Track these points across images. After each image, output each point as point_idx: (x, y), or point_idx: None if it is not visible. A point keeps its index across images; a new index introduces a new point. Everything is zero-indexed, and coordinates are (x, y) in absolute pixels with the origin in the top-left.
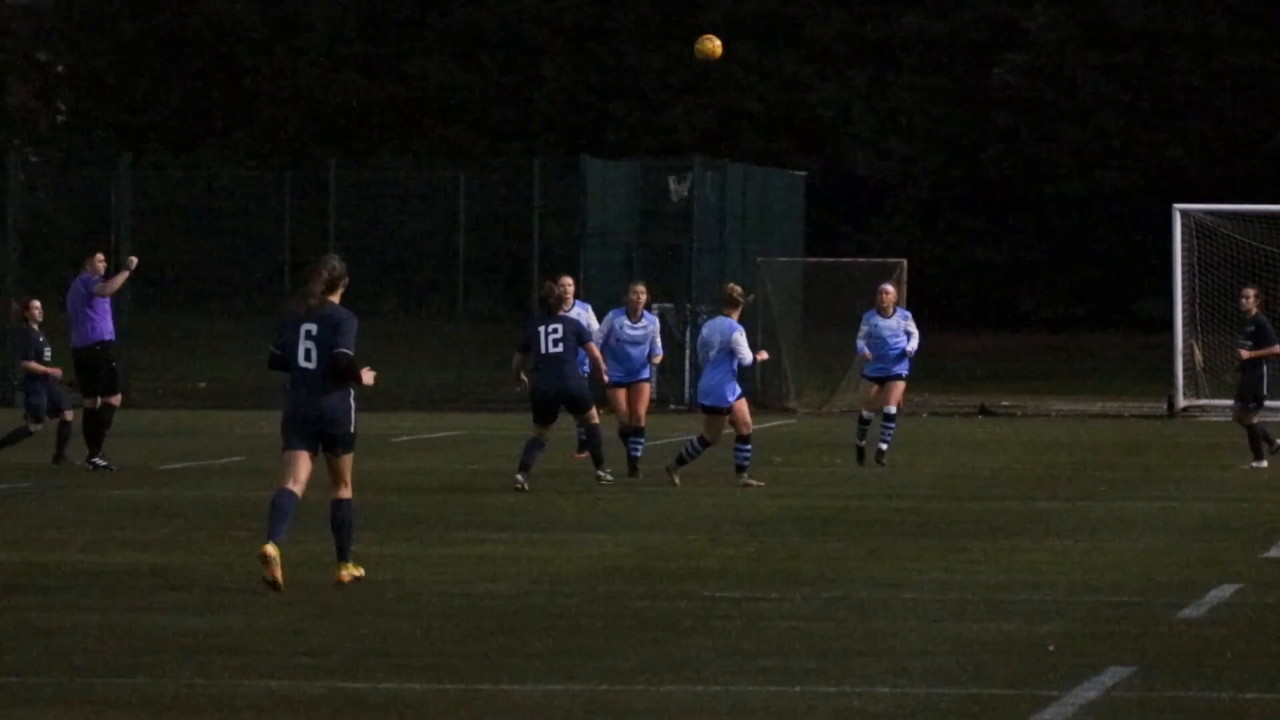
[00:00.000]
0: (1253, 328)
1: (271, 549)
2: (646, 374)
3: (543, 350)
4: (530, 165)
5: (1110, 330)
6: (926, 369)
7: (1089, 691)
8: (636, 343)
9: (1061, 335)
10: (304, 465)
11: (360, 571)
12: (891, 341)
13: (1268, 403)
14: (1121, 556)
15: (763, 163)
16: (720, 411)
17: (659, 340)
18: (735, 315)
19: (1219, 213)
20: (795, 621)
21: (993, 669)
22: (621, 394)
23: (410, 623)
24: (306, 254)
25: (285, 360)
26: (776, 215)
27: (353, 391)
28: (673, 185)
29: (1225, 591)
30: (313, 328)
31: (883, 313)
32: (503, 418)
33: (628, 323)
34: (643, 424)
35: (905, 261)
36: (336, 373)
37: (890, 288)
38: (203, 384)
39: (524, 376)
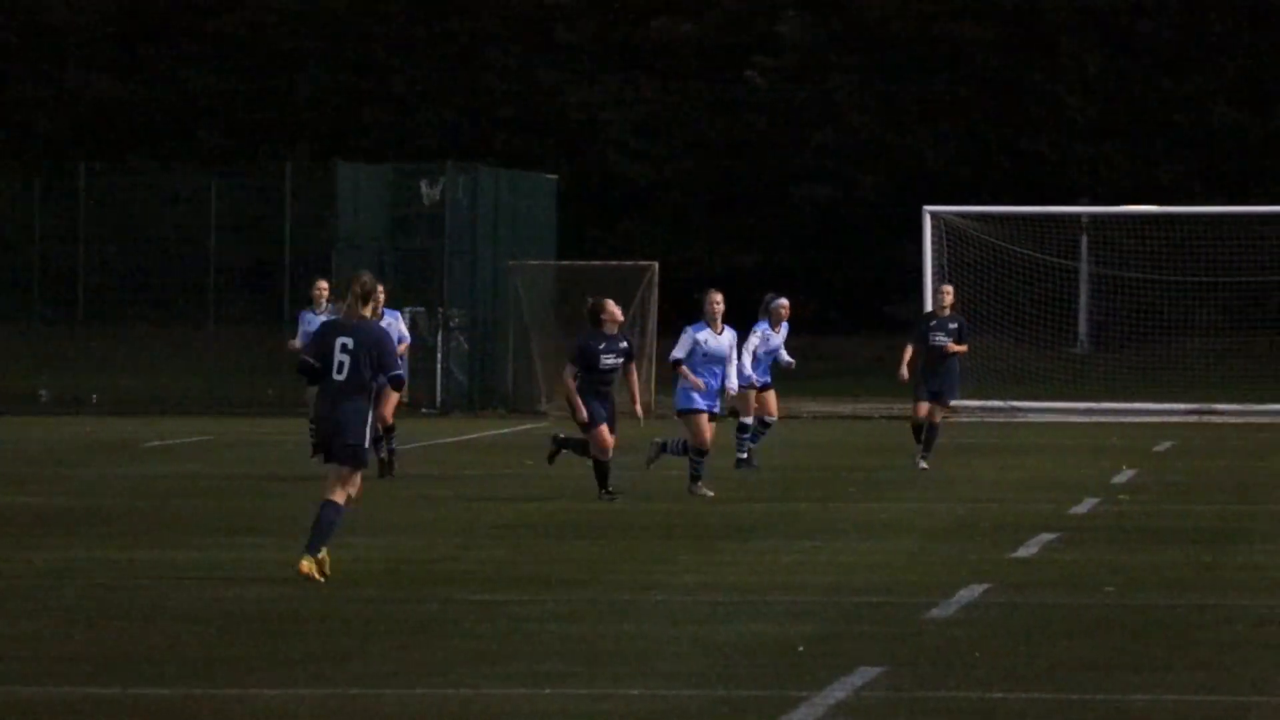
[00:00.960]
0: (955, 325)
1: (306, 565)
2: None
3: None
4: (281, 170)
5: (862, 332)
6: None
7: (838, 692)
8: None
9: (814, 337)
10: (334, 476)
11: (316, 573)
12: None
13: (971, 402)
14: (871, 557)
15: (515, 166)
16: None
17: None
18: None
19: (969, 214)
20: (546, 624)
21: (743, 670)
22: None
23: (160, 628)
24: (57, 260)
25: (315, 370)
26: (528, 219)
27: (370, 407)
28: (424, 189)
29: (974, 591)
30: (349, 341)
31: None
32: (254, 423)
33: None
34: (390, 421)
35: (657, 265)
36: (394, 390)
37: (784, 301)
38: None
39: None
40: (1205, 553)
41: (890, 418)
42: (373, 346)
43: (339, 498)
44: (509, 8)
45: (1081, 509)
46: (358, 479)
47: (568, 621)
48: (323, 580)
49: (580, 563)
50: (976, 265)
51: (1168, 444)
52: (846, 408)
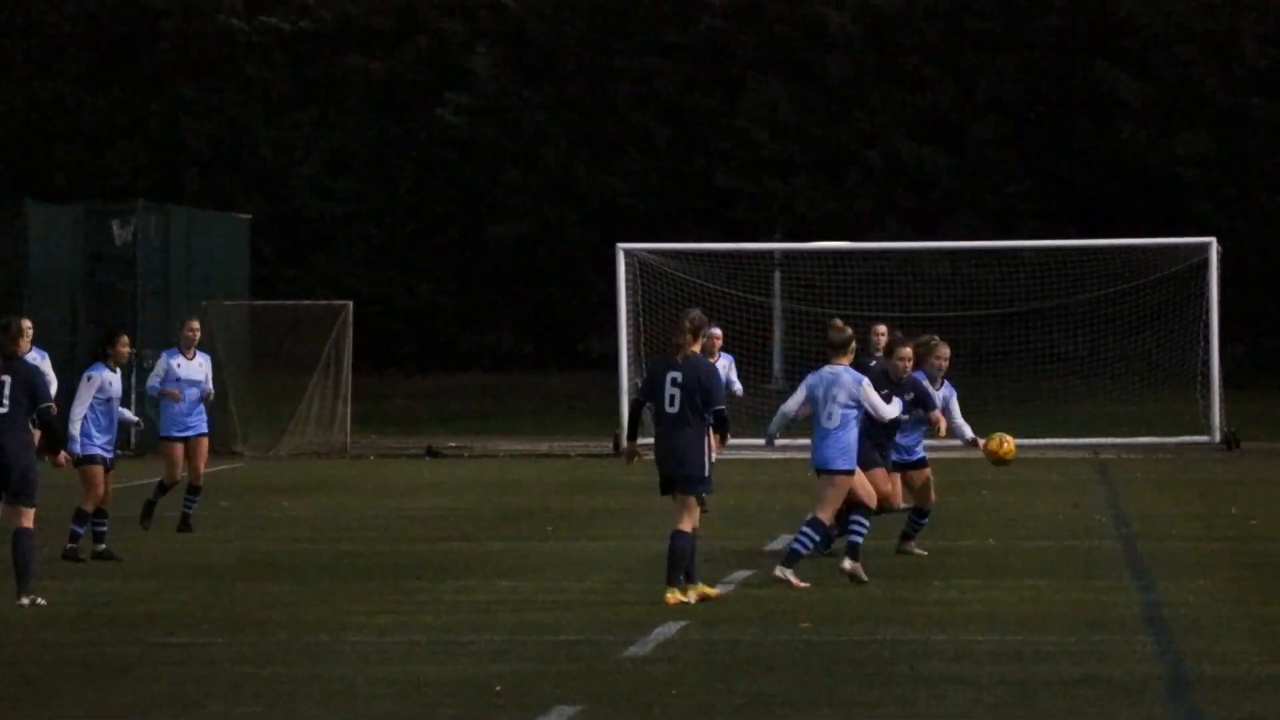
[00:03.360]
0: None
1: (673, 595)
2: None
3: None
4: None
5: (557, 369)
6: (374, 411)
7: None
8: (195, 382)
9: (508, 374)
10: (679, 505)
11: (707, 591)
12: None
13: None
14: (569, 595)
15: (208, 204)
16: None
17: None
18: (846, 361)
19: (661, 251)
20: (243, 666)
21: (441, 710)
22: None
23: None
24: None
25: (639, 404)
26: (221, 258)
27: (706, 436)
28: (116, 229)
29: (671, 629)
30: (678, 375)
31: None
32: None
33: (184, 360)
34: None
35: (351, 304)
36: (717, 424)
37: (718, 331)
38: None
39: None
40: (902, 588)
41: (587, 455)
42: (700, 381)
43: (686, 527)
44: (200, 44)
45: (777, 544)
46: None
47: (264, 663)
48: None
49: (277, 604)
50: (670, 302)
51: None
52: (543, 445)
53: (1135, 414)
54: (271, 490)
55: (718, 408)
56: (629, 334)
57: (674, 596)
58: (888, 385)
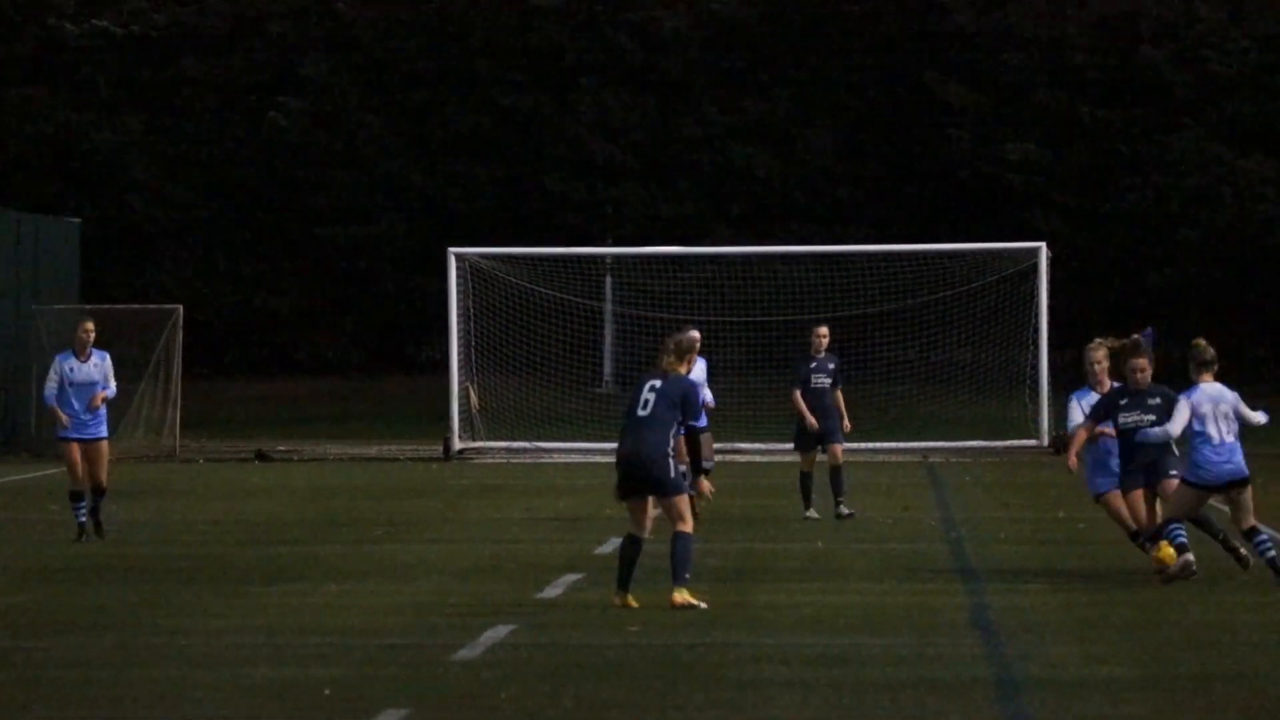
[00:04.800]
0: (833, 364)
1: (680, 595)
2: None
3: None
4: None
5: (388, 374)
6: (203, 414)
7: None
8: (90, 384)
9: (339, 379)
10: (642, 511)
11: (694, 600)
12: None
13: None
14: (397, 599)
15: (37, 209)
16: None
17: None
18: (1209, 378)
19: (493, 255)
20: (69, 670)
21: (270, 714)
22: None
23: None
24: None
25: None
26: (52, 263)
27: (672, 442)
28: None
29: (500, 632)
30: (658, 383)
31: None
32: None
33: (77, 363)
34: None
35: (181, 308)
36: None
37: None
38: None
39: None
40: (731, 591)
41: (417, 459)
42: (678, 395)
43: (685, 529)
44: (30, 45)
45: (605, 549)
46: None
47: (91, 667)
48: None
49: (105, 608)
50: (502, 307)
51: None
52: (373, 449)
53: (965, 418)
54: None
55: (692, 423)
56: (460, 338)
57: (681, 596)
58: (1126, 396)
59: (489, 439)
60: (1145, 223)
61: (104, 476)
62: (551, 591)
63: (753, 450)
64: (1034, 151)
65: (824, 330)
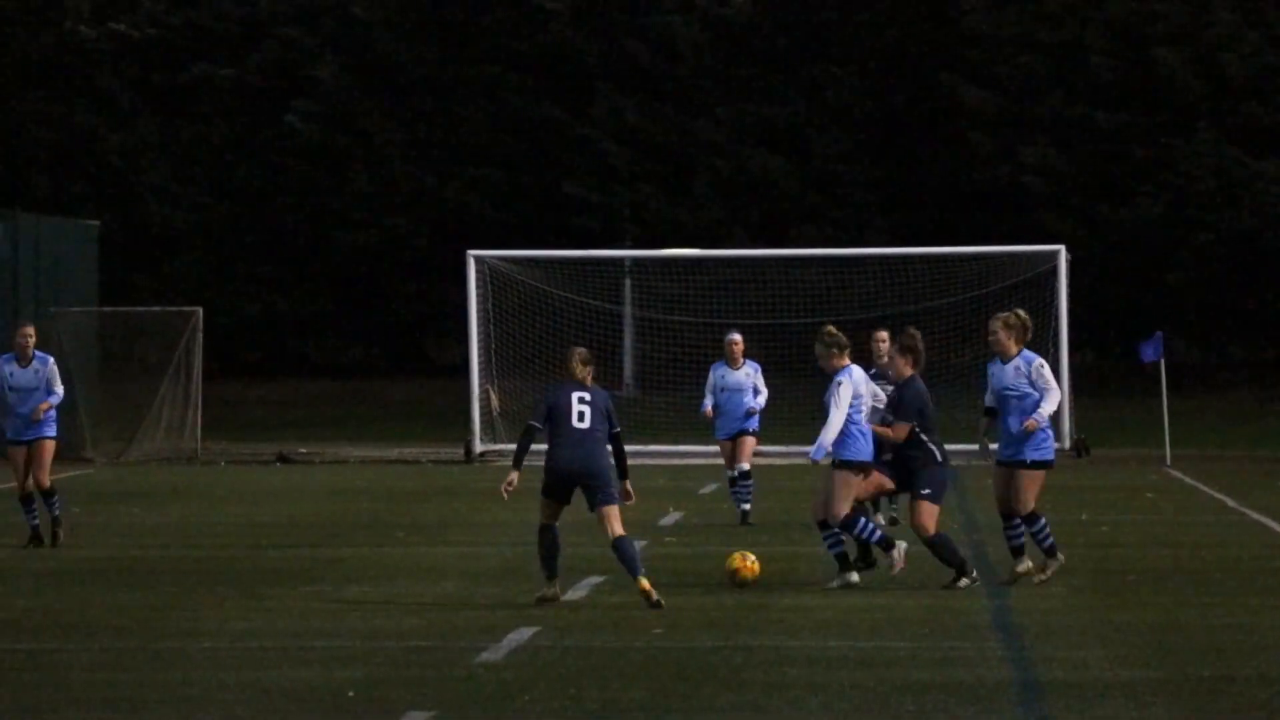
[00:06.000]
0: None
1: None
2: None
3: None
4: None
5: (407, 376)
6: (223, 417)
7: None
8: (31, 390)
9: (359, 381)
10: (560, 506)
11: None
12: (738, 396)
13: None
14: (421, 601)
15: (54, 211)
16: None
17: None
18: None
19: (511, 258)
20: (93, 673)
21: (293, 716)
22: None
23: None
24: None
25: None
26: (69, 265)
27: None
28: None
29: (523, 635)
30: (585, 395)
31: (731, 363)
32: None
33: (16, 368)
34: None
35: (201, 311)
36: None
37: (738, 337)
38: None
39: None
40: (754, 594)
41: (438, 461)
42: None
43: (620, 531)
44: (46, 50)
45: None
46: None
47: (114, 670)
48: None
49: (127, 611)
50: (520, 309)
51: (714, 486)
52: (394, 451)
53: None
54: (122, 496)
55: (616, 430)
56: (479, 341)
57: (646, 584)
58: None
59: (510, 441)
60: (1162, 225)
61: (44, 477)
62: (574, 594)
63: (772, 453)
64: (1050, 155)
65: (884, 334)
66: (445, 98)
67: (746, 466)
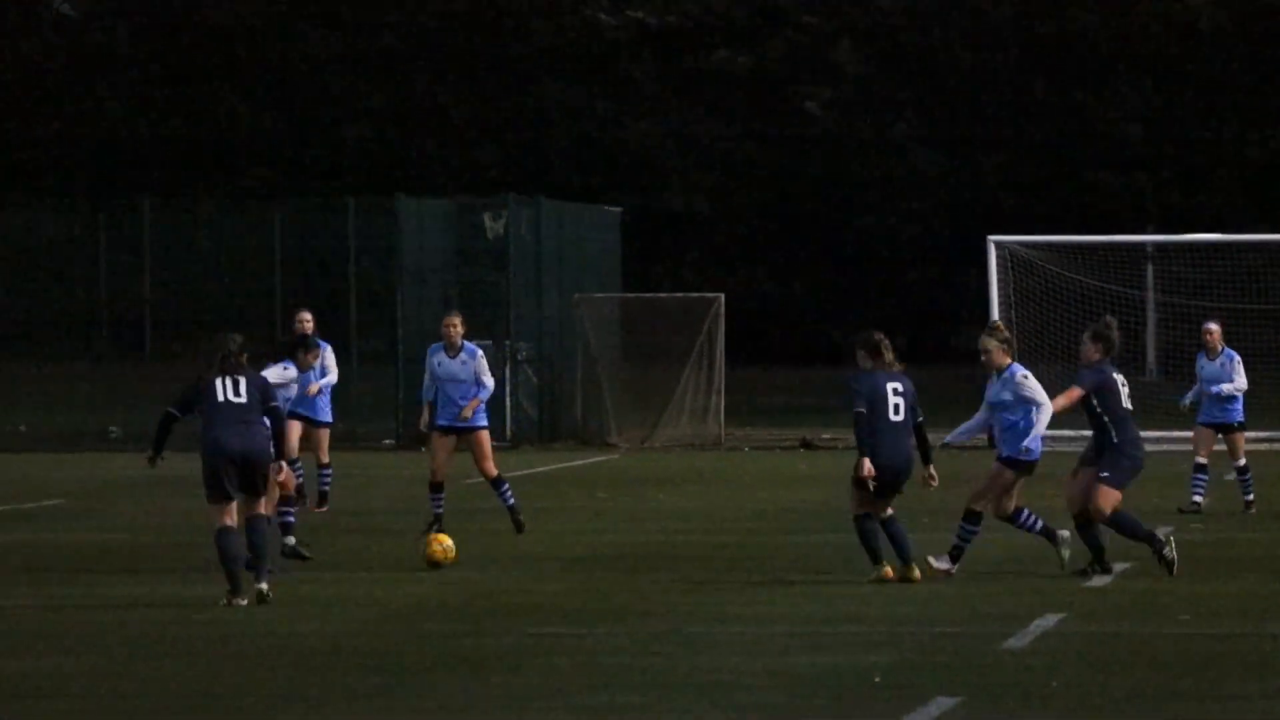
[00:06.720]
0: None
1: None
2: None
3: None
4: (344, 204)
5: (928, 363)
6: (747, 404)
7: None
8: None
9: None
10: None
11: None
12: (1215, 386)
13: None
14: (944, 588)
15: (575, 199)
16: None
17: (486, 375)
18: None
19: (1033, 244)
20: (620, 656)
21: (819, 701)
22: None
23: (232, 665)
24: (122, 296)
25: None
26: (592, 251)
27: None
28: (488, 222)
29: (1049, 621)
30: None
31: (1209, 354)
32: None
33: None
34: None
35: (723, 297)
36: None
37: (1215, 326)
38: (22, 427)
39: None
40: (1276, 581)
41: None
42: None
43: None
44: (568, 39)
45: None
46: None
47: (642, 654)
48: None
49: (653, 595)
50: (1041, 295)
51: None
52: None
53: None
54: (646, 481)
55: (920, 420)
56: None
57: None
58: None
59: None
60: None
61: (490, 466)
62: (1099, 580)
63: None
64: None
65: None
66: (961, 82)
67: (1242, 462)
